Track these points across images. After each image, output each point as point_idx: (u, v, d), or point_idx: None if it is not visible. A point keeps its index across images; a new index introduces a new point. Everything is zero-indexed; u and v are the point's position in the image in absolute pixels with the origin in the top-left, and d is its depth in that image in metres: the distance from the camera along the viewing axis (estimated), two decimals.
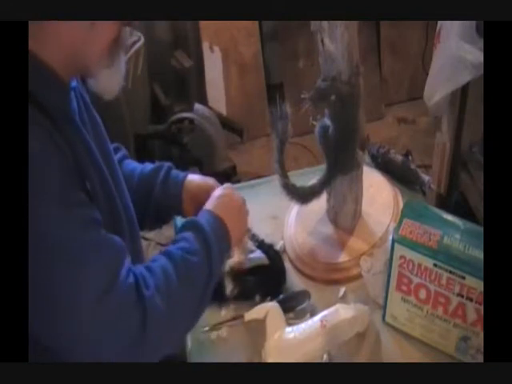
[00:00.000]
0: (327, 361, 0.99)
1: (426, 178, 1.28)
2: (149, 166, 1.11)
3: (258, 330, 1.00)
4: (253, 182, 1.43)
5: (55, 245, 0.72)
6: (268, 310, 0.99)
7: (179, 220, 1.17)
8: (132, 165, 1.11)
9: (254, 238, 1.13)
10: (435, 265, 0.88)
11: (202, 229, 0.90)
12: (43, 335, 0.75)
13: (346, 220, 1.16)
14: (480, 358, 0.93)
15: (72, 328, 0.73)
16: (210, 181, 1.08)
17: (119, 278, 0.76)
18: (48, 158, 0.72)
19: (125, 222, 0.92)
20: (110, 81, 0.85)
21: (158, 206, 1.07)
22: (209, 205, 0.97)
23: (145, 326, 0.76)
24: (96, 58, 0.81)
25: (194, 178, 1.09)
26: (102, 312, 0.74)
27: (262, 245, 1.13)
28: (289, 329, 0.97)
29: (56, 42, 0.76)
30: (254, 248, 1.11)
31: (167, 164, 1.12)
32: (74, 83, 0.87)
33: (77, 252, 0.74)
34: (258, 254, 1.08)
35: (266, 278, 1.10)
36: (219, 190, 1.01)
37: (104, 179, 0.87)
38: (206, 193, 1.02)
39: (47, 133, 0.74)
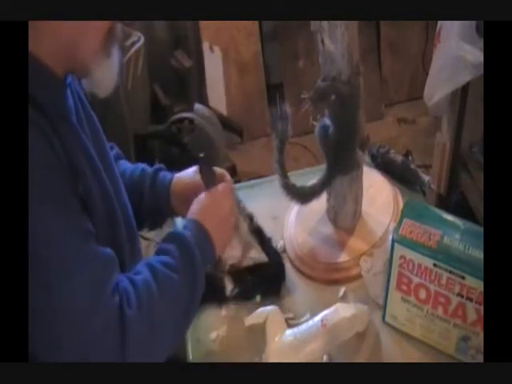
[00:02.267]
0: (327, 361, 0.99)
1: (426, 177, 1.28)
2: (139, 168, 1.09)
3: (258, 329, 1.00)
4: (253, 181, 1.42)
5: (39, 250, 0.69)
6: (268, 314, 0.98)
7: (179, 220, 1.17)
8: (123, 166, 1.09)
9: (255, 231, 1.11)
10: (435, 265, 0.88)
11: (188, 245, 0.87)
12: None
13: (346, 220, 1.16)
14: (480, 358, 0.93)
15: (51, 341, 0.72)
16: (197, 180, 1.04)
17: (103, 298, 0.74)
18: (42, 160, 0.71)
19: (122, 222, 0.91)
20: (104, 75, 0.83)
21: (148, 208, 1.06)
22: (195, 213, 0.95)
23: (124, 346, 0.74)
24: (90, 50, 0.79)
25: (181, 179, 1.07)
26: (82, 331, 0.72)
27: (262, 239, 1.12)
28: (289, 331, 0.96)
29: (49, 35, 0.74)
30: (253, 242, 1.10)
31: (157, 166, 1.10)
32: (69, 79, 0.85)
33: (62, 261, 0.71)
34: (256, 253, 1.08)
35: (266, 278, 1.10)
36: (207, 196, 0.97)
37: (100, 179, 0.85)
38: (194, 193, 0.99)
39: (41, 133, 0.72)
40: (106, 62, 0.81)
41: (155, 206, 1.06)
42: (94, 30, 0.78)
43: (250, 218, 1.10)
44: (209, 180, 0.99)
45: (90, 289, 0.73)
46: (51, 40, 0.75)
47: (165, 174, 1.09)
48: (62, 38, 0.75)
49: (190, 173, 1.09)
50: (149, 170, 1.09)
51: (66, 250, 0.72)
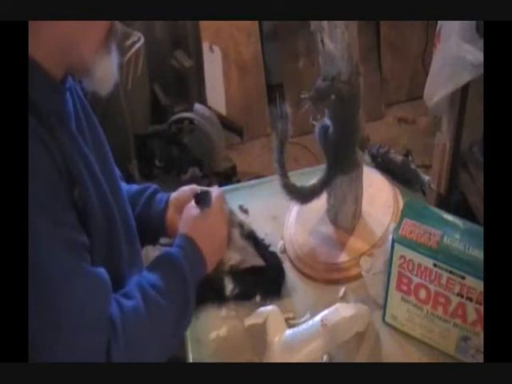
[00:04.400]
0: (327, 361, 0.99)
1: (426, 177, 1.28)
2: (134, 188, 1.09)
3: (258, 329, 1.00)
4: (253, 181, 1.43)
5: (30, 263, 0.67)
6: (268, 314, 0.98)
7: None
8: None
9: (249, 236, 1.11)
10: (435, 265, 0.88)
11: (180, 268, 0.88)
12: None
13: (346, 220, 1.16)
14: (480, 358, 0.93)
15: (41, 346, 0.71)
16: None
17: (91, 324, 0.74)
18: (38, 171, 0.69)
19: (122, 229, 0.90)
20: (105, 72, 0.82)
21: (141, 227, 1.04)
22: (188, 228, 0.95)
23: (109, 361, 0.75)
24: (91, 49, 0.78)
25: (177, 199, 1.06)
26: (69, 343, 0.72)
27: (257, 244, 1.12)
28: (289, 331, 0.96)
29: (47, 37, 0.73)
30: (248, 247, 1.10)
31: (153, 187, 1.10)
32: (69, 83, 0.84)
33: (54, 277, 0.70)
34: (252, 258, 1.08)
35: (266, 278, 1.10)
36: (201, 215, 0.97)
37: (99, 186, 0.84)
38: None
39: (38, 140, 0.70)
40: (106, 59, 0.81)
41: (149, 227, 1.06)
42: (95, 28, 0.77)
43: (241, 225, 1.11)
44: (205, 205, 0.99)
45: (80, 309, 0.73)
46: (49, 41, 0.74)
47: (161, 197, 1.08)
48: (61, 39, 0.74)
49: (186, 191, 1.08)
50: (147, 188, 1.09)
51: (58, 266, 0.71)
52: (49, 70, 0.76)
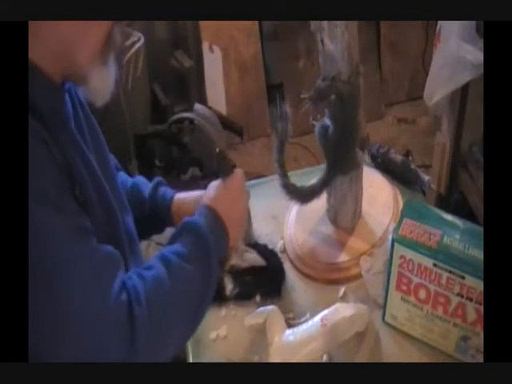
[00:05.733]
0: (327, 361, 0.99)
1: (426, 177, 1.28)
2: (138, 181, 1.09)
3: (258, 329, 1.00)
4: (253, 181, 1.43)
5: (38, 250, 0.67)
6: (267, 314, 0.98)
7: None
8: (121, 178, 1.08)
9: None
10: (435, 265, 0.88)
11: (203, 235, 0.86)
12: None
13: (346, 220, 1.16)
14: (480, 358, 0.93)
15: (53, 344, 0.70)
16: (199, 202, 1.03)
17: (110, 296, 0.72)
18: (38, 162, 0.69)
19: (122, 229, 0.89)
20: (101, 83, 0.81)
21: (147, 219, 1.05)
22: (210, 199, 0.94)
23: (134, 344, 0.73)
24: (87, 59, 0.78)
25: (185, 200, 1.07)
26: (90, 331, 0.71)
27: (256, 245, 1.13)
28: (289, 331, 0.96)
29: (45, 39, 0.73)
30: (248, 249, 1.10)
31: (156, 179, 1.10)
32: (68, 84, 0.84)
33: (62, 262, 0.70)
34: (253, 255, 1.08)
35: (266, 278, 1.10)
36: (222, 185, 0.97)
37: (100, 185, 0.84)
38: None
39: (37, 137, 0.70)
40: (102, 70, 0.79)
41: (155, 218, 1.06)
42: (92, 35, 0.77)
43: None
44: (225, 171, 0.99)
45: (94, 288, 0.72)
46: (47, 45, 0.73)
47: (165, 190, 1.09)
48: (58, 42, 0.74)
49: (194, 195, 1.08)
50: (148, 183, 1.09)
51: (66, 251, 0.71)
52: (47, 73, 0.75)
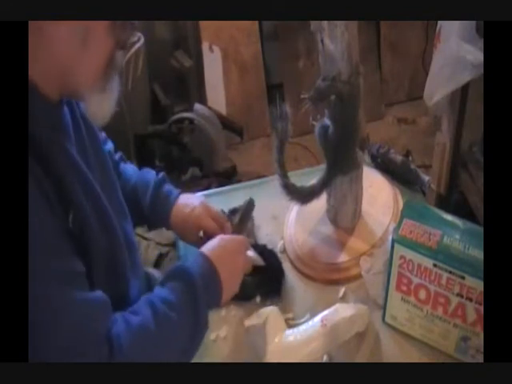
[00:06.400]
0: (327, 361, 0.99)
1: (425, 177, 1.28)
2: (144, 177, 1.10)
3: (258, 329, 0.99)
4: (253, 181, 1.43)
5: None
6: (267, 314, 0.98)
7: (182, 245, 1.19)
8: (128, 171, 1.09)
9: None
10: (435, 265, 0.88)
11: (193, 284, 0.85)
12: None
13: (346, 220, 1.16)
14: (480, 358, 0.93)
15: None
16: (201, 208, 1.07)
17: (91, 345, 0.73)
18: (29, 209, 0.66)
19: (121, 239, 0.89)
20: (101, 106, 0.80)
21: (148, 214, 1.07)
22: (208, 250, 0.93)
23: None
24: (87, 81, 0.76)
25: (186, 204, 1.08)
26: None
27: (256, 245, 1.13)
28: (289, 331, 0.96)
29: (45, 60, 0.71)
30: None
31: (161, 176, 1.11)
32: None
33: (47, 307, 0.70)
34: (253, 255, 1.08)
35: (266, 279, 1.10)
36: (227, 239, 0.97)
37: (99, 203, 0.82)
38: (196, 221, 1.05)
39: (30, 179, 0.68)
40: (103, 94, 0.78)
41: (155, 217, 1.08)
42: (92, 59, 0.75)
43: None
44: (241, 228, 1.06)
45: (77, 336, 0.72)
46: (47, 65, 0.72)
47: (169, 189, 1.10)
48: (58, 65, 0.73)
49: (197, 198, 1.10)
50: (153, 181, 1.09)
51: (52, 296, 0.70)
52: (44, 90, 0.74)
